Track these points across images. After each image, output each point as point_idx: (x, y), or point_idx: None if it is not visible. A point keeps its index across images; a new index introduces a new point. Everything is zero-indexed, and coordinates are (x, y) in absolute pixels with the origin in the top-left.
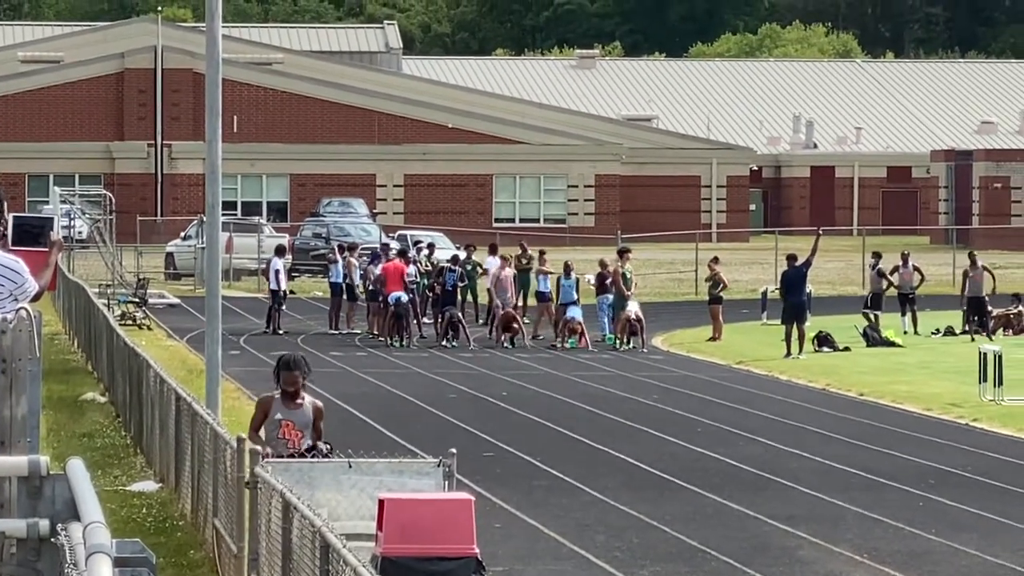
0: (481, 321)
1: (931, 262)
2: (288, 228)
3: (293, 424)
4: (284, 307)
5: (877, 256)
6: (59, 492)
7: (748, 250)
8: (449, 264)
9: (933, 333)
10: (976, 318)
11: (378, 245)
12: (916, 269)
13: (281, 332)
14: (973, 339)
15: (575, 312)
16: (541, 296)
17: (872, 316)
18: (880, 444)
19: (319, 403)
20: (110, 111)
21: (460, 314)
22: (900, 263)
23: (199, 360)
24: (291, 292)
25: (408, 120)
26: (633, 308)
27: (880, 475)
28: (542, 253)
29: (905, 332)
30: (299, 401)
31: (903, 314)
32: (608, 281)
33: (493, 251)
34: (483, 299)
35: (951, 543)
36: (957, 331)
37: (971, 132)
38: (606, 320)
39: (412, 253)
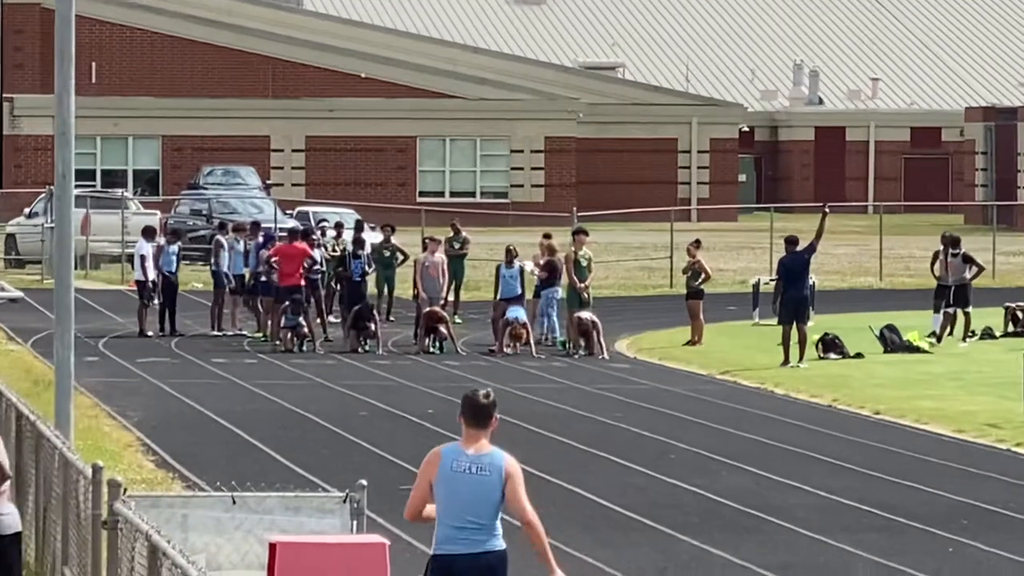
0: (393, 319)
1: (966, 247)
2: (160, 203)
3: None
4: (156, 300)
5: (954, 241)
6: None
7: (737, 232)
8: (353, 249)
9: (968, 336)
10: None
11: (273, 226)
12: (969, 259)
13: (151, 334)
14: None
15: (518, 312)
16: (536, 290)
17: (964, 314)
18: (899, 475)
19: None
20: None
21: (373, 308)
22: (941, 249)
23: (47, 369)
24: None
25: (310, 68)
26: (587, 315)
27: (900, 513)
28: (547, 237)
29: (933, 334)
30: None
31: (936, 311)
32: (559, 270)
33: (360, 228)
34: (401, 292)
35: None
36: (997, 333)
37: (1015, 85)
38: (556, 318)
39: (317, 235)
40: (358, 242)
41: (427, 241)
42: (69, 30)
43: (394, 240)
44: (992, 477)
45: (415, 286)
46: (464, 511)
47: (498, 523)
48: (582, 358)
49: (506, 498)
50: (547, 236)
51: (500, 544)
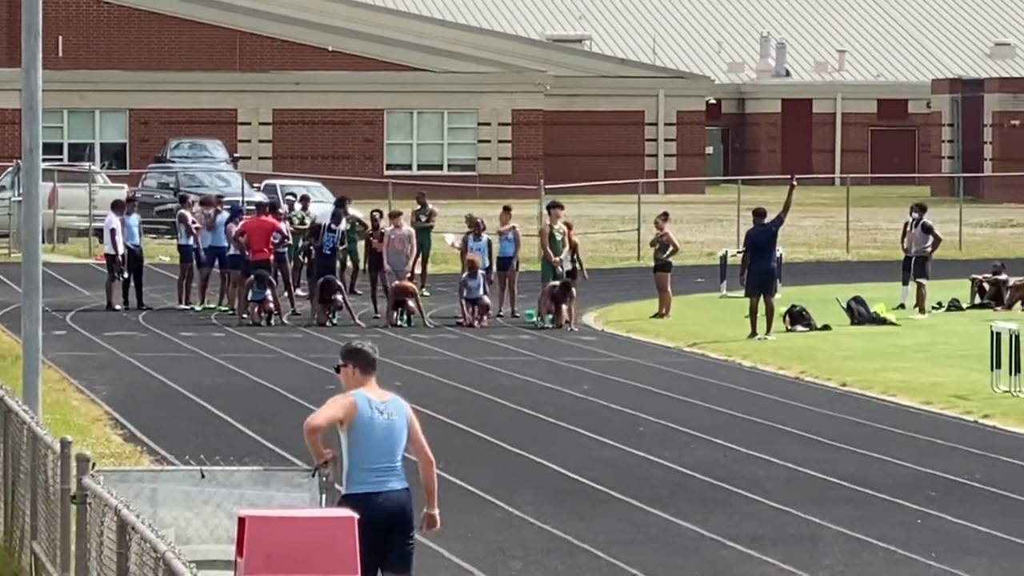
0: (360, 292)
1: (933, 219)
2: (127, 177)
3: None
4: (126, 274)
5: (921, 209)
6: None
7: (704, 204)
8: (329, 223)
9: (934, 307)
10: None
11: (239, 199)
12: (928, 229)
13: (119, 307)
14: None
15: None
16: (502, 263)
17: (919, 285)
18: (867, 446)
19: None
20: None
21: (339, 280)
22: (910, 221)
23: (15, 343)
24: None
25: (277, 41)
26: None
27: (867, 485)
28: (507, 210)
29: (902, 306)
30: None
31: (905, 283)
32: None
33: (306, 203)
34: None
35: (955, 570)
36: (964, 305)
37: (982, 56)
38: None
39: (284, 208)
40: (336, 216)
41: (374, 215)
42: (37, 4)
43: (349, 211)
44: (959, 449)
45: (365, 258)
46: (380, 454)
47: (400, 464)
48: (549, 331)
49: (410, 439)
50: (507, 209)
51: (405, 483)
